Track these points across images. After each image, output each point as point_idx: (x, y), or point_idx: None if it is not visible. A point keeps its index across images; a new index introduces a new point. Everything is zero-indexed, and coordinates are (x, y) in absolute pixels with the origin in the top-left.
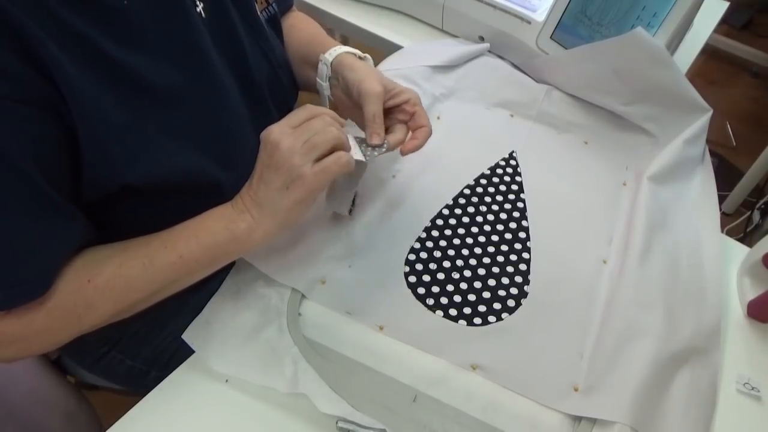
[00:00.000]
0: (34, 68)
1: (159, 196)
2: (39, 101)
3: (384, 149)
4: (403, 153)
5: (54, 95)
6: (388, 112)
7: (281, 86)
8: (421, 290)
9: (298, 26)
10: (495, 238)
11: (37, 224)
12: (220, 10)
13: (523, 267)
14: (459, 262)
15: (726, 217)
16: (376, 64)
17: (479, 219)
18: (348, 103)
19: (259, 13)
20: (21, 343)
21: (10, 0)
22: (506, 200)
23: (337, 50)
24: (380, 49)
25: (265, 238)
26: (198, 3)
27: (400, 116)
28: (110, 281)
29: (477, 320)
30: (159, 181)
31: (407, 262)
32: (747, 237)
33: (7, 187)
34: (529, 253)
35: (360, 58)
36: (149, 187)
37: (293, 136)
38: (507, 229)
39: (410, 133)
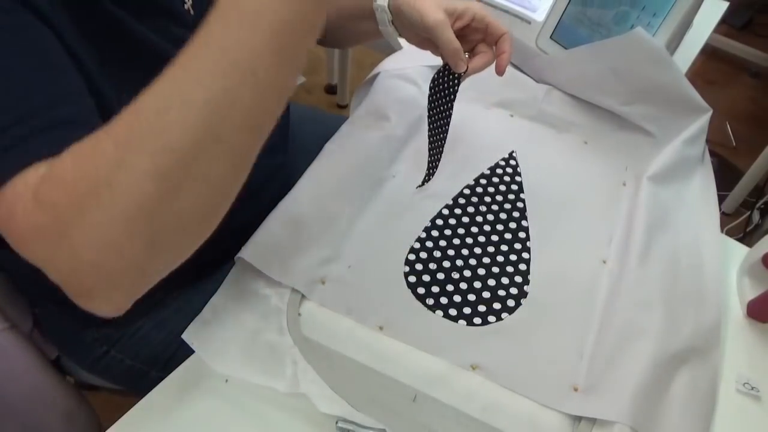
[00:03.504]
0: None
1: None
2: None
3: (465, 74)
4: (501, 72)
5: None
6: (460, 34)
7: None
8: (421, 290)
9: None
10: (495, 238)
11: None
12: (206, 5)
13: (523, 267)
14: (459, 262)
15: (726, 217)
16: (375, 64)
17: (479, 219)
18: (418, 39)
19: None
20: (63, 250)
21: None
22: (506, 200)
23: None
24: (380, 48)
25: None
26: (186, 0)
27: (474, 36)
28: (131, 122)
29: (477, 320)
30: None
31: (407, 262)
32: (747, 237)
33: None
34: (529, 253)
35: None
36: None
37: None
38: (507, 229)
39: (493, 48)
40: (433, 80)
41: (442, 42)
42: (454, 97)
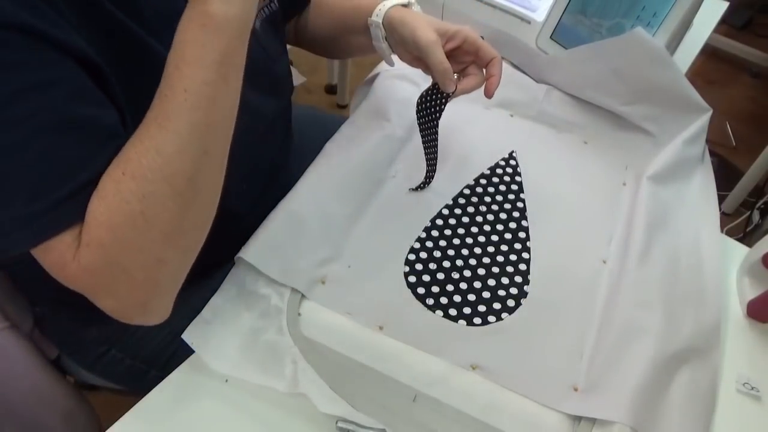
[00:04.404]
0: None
1: None
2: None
3: (453, 95)
4: (490, 95)
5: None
6: (451, 55)
7: (275, 78)
8: (421, 290)
9: (328, 1)
10: (495, 238)
11: (70, 141)
12: None
13: (522, 267)
14: (459, 262)
15: (726, 217)
16: (375, 64)
17: (479, 219)
18: (410, 57)
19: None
20: (123, 278)
21: None
22: (506, 200)
23: (382, 9)
24: None
25: (246, 6)
26: None
27: (465, 58)
28: (140, 161)
29: (477, 320)
30: None
31: (407, 262)
32: (747, 237)
33: (37, 105)
34: (529, 253)
35: (404, 5)
36: None
37: None
38: (507, 229)
39: (483, 70)
40: (421, 97)
41: (433, 62)
42: (440, 115)
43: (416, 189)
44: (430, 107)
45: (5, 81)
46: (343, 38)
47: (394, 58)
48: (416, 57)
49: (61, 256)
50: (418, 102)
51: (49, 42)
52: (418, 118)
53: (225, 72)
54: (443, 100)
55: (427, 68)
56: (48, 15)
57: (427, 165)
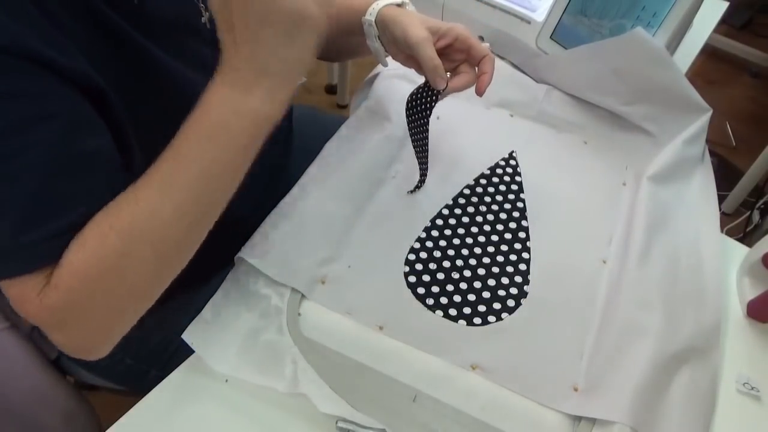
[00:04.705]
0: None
1: None
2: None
3: (444, 92)
4: (480, 93)
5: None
6: (443, 53)
7: None
8: (421, 290)
9: None
10: (495, 238)
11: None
12: None
13: (522, 267)
14: (459, 262)
15: (726, 217)
16: (375, 64)
17: (479, 219)
18: (403, 56)
19: None
20: (80, 323)
21: None
22: (506, 200)
23: (375, 8)
24: None
25: (284, 106)
26: (204, 13)
27: (456, 56)
28: (131, 221)
29: (477, 320)
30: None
31: (407, 262)
32: (747, 237)
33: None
34: (529, 253)
35: (398, 5)
36: None
37: None
38: (507, 229)
39: (475, 69)
40: (412, 95)
41: (423, 58)
42: (430, 113)
43: (413, 191)
44: (420, 105)
45: (4, 112)
46: (340, 39)
47: (388, 58)
48: (408, 56)
49: (26, 292)
50: (408, 100)
51: (51, 68)
52: (408, 116)
53: (250, 154)
54: (434, 98)
55: (419, 67)
56: (47, 32)
57: (419, 164)
